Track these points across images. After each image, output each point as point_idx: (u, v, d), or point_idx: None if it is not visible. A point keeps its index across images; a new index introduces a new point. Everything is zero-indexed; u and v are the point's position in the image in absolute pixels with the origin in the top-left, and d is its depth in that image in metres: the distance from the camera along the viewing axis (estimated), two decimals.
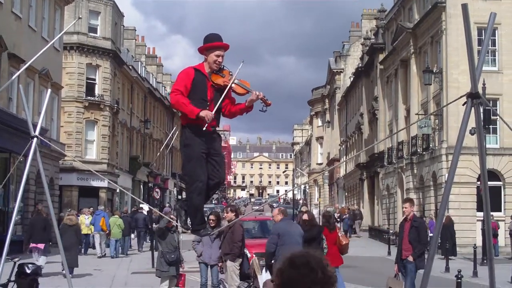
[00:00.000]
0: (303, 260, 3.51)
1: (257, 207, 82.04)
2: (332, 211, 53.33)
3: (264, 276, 14.85)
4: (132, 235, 36.87)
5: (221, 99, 7.45)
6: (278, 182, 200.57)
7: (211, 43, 7.58)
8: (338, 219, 50.15)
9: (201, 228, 7.86)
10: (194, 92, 7.44)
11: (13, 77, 20.65)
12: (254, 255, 16.97)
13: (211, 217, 16.34)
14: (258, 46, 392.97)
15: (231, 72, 7.63)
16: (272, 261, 14.19)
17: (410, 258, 14.55)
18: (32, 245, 23.08)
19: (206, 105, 7.40)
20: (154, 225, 31.55)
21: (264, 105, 7.47)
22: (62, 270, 22.09)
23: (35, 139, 9.62)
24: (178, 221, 9.41)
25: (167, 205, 61.13)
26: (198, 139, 7.41)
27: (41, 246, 22.91)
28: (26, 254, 22.89)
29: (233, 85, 7.52)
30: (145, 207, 40.39)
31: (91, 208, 36.50)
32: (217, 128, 7.72)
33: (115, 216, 33.65)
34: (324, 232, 16.32)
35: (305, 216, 16.91)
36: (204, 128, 7.25)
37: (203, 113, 7.20)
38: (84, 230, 31.83)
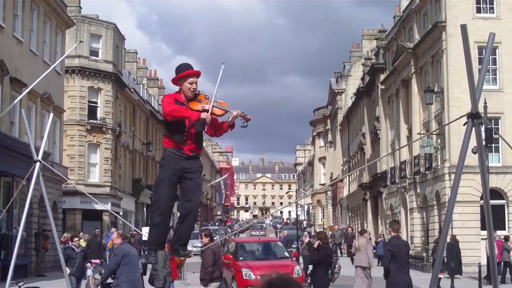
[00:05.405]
0: (282, 284, 3.53)
1: (257, 232, 79.12)
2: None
3: None
4: None
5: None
6: (281, 203, 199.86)
7: (183, 73, 7.83)
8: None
9: (181, 249, 8.11)
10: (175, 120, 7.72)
11: (15, 101, 20.74)
12: (93, 276, 17.42)
13: (203, 235, 16.65)
14: (265, 66, 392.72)
15: (207, 96, 7.87)
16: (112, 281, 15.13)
17: None
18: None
19: (185, 131, 7.67)
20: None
21: (244, 120, 7.76)
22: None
23: (37, 163, 9.64)
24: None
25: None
26: (173, 162, 7.67)
27: (97, 261, 28.05)
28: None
29: (211, 107, 7.73)
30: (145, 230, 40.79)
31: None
32: (199, 153, 7.95)
33: None
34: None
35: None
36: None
37: (204, 115, 7.52)
38: None
